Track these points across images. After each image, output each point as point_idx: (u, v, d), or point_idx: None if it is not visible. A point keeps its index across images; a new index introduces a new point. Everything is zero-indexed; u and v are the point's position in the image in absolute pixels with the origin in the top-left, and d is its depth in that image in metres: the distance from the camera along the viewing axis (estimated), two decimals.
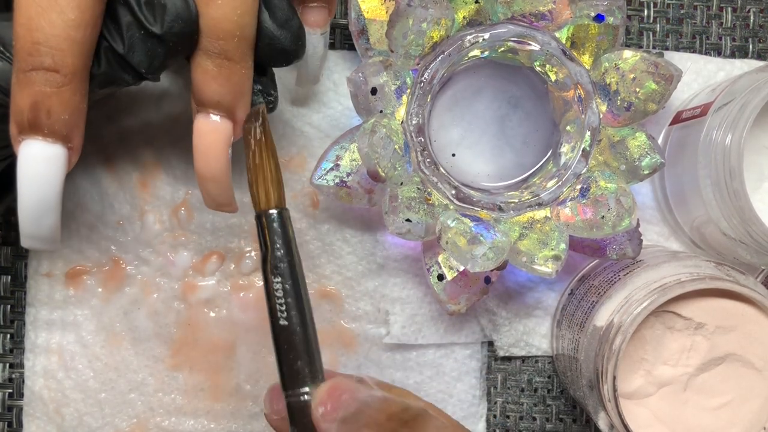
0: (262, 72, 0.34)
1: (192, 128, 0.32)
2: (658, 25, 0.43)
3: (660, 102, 0.37)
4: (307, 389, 0.29)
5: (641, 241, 0.39)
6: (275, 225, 0.30)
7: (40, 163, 0.29)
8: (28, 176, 0.29)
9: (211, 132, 0.32)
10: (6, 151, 0.32)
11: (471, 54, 0.38)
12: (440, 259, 0.38)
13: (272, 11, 0.32)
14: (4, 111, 0.30)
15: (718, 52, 0.43)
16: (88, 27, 0.28)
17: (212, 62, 0.31)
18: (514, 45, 0.37)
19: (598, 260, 0.41)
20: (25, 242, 0.30)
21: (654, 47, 0.43)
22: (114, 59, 0.30)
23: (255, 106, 0.33)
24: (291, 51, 0.33)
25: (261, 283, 0.41)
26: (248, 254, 0.41)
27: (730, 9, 0.43)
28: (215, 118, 0.32)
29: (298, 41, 0.33)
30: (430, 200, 0.37)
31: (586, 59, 0.38)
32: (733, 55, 0.43)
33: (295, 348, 0.30)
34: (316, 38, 0.36)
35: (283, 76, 0.40)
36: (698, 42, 0.43)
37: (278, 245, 0.30)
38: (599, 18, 0.37)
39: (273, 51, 0.32)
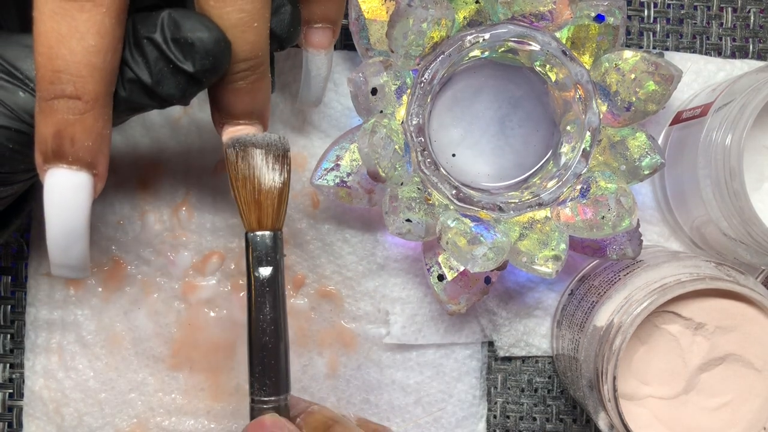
0: None
1: (220, 136, 0.32)
2: (658, 26, 0.43)
3: (660, 102, 0.37)
4: (268, 399, 0.32)
5: (641, 241, 0.39)
6: (262, 247, 0.32)
7: (66, 192, 0.29)
8: (55, 205, 0.29)
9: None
10: (25, 175, 0.32)
11: (471, 54, 0.38)
12: (440, 259, 0.38)
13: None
14: (28, 138, 0.30)
15: (719, 52, 0.43)
16: (109, 52, 0.28)
17: (245, 81, 0.31)
18: (515, 45, 0.38)
19: (598, 260, 0.41)
20: (55, 271, 0.30)
21: (654, 47, 0.43)
22: (142, 90, 0.30)
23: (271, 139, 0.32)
24: (284, 37, 0.33)
25: None
26: None
27: (730, 9, 0.43)
28: (244, 128, 0.32)
29: (290, 27, 0.33)
30: (430, 200, 0.37)
31: (587, 59, 0.38)
32: (733, 56, 0.43)
33: (265, 362, 0.32)
34: (320, 59, 0.36)
35: (279, 68, 0.40)
36: (698, 42, 0.43)
37: (262, 268, 0.32)
38: (599, 18, 0.37)
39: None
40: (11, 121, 0.29)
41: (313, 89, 0.37)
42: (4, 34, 0.30)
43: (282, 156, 0.32)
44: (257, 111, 0.32)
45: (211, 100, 0.32)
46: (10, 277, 0.41)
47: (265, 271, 0.32)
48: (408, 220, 0.36)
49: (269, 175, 0.31)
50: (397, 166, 0.36)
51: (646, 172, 0.37)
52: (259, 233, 0.32)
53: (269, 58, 0.32)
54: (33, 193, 0.38)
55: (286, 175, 0.32)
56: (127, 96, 0.30)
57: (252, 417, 0.32)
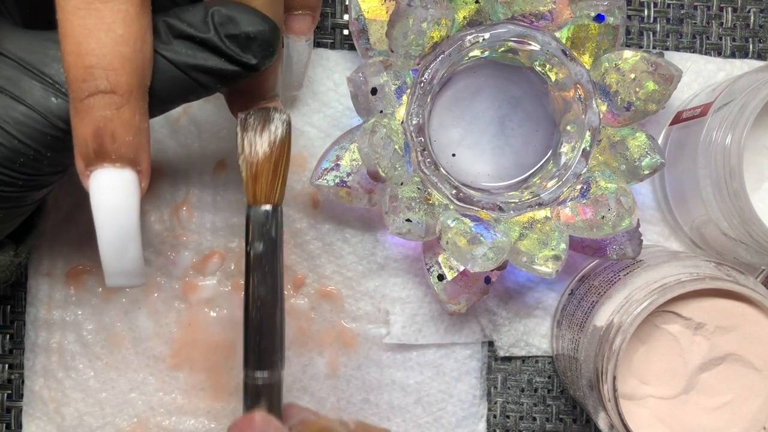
0: None
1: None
2: (658, 25, 0.43)
3: (660, 102, 0.37)
4: (264, 373, 0.32)
5: (641, 241, 0.39)
6: (255, 222, 0.31)
7: (113, 192, 0.28)
8: (103, 208, 0.28)
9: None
10: (55, 177, 0.32)
11: (471, 54, 0.38)
12: (440, 259, 0.38)
13: None
14: (61, 144, 0.29)
15: (719, 52, 0.43)
16: (138, 41, 0.28)
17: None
18: (515, 45, 0.38)
19: (598, 260, 0.41)
20: (110, 281, 0.29)
21: (654, 47, 0.43)
22: (182, 85, 0.29)
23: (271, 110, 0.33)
24: None
25: None
26: None
27: (730, 9, 0.43)
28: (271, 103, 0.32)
29: None
30: (430, 200, 0.37)
31: (586, 59, 0.38)
32: (733, 55, 0.43)
33: (253, 338, 0.32)
34: (301, 46, 0.36)
35: None
36: (698, 42, 0.43)
37: (254, 243, 0.31)
38: (599, 18, 0.37)
39: None
40: (47, 128, 0.29)
41: (294, 75, 0.38)
42: (21, 39, 0.30)
43: (280, 129, 0.31)
44: (277, 87, 0.32)
45: (235, 87, 0.31)
46: None
47: (257, 247, 0.31)
48: (408, 220, 0.36)
49: (264, 148, 0.31)
50: (397, 166, 0.36)
51: (646, 172, 0.37)
52: (254, 207, 0.31)
53: None
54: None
55: (282, 148, 0.31)
56: (169, 92, 0.29)
57: (245, 392, 0.32)
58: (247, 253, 0.31)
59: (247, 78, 0.30)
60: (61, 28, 0.27)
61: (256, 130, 0.31)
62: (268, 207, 0.31)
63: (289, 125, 0.31)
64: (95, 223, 0.28)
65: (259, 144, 0.31)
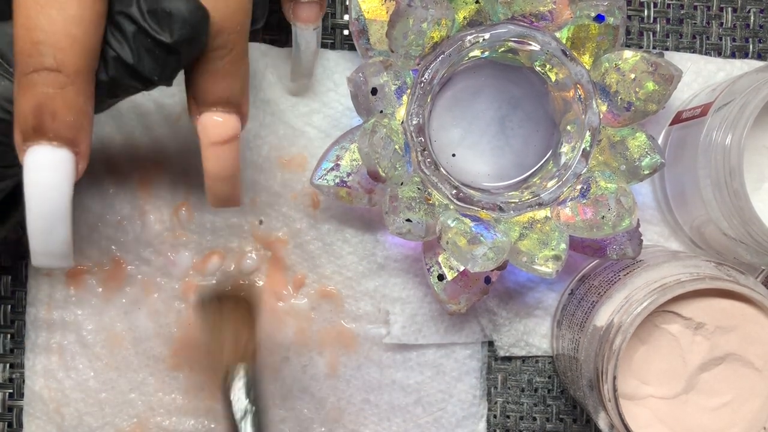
0: None
1: (195, 128, 0.31)
2: (658, 26, 0.43)
3: (660, 102, 0.37)
4: None
5: (641, 241, 0.39)
6: (240, 381, 0.35)
7: (46, 170, 0.28)
8: (34, 184, 0.28)
9: (224, 131, 0.31)
10: (12, 170, 0.31)
11: (471, 54, 0.38)
12: (440, 259, 0.38)
13: None
14: (8, 129, 0.29)
15: (719, 52, 0.43)
16: (90, 24, 0.27)
17: (222, 60, 0.30)
18: (515, 45, 0.38)
19: (598, 260, 0.41)
20: (36, 260, 0.29)
21: (654, 47, 0.43)
22: (123, 68, 0.29)
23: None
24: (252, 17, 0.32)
25: (261, 282, 0.41)
26: (249, 254, 0.41)
27: (730, 9, 0.43)
28: (221, 116, 0.31)
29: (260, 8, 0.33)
30: (430, 200, 0.37)
31: (587, 59, 0.38)
32: (733, 56, 0.43)
33: None
34: (309, 34, 0.36)
35: (280, 68, 0.40)
36: (698, 42, 0.43)
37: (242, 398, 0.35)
38: (599, 18, 0.37)
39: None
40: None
41: (303, 63, 0.38)
42: None
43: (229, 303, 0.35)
44: (234, 98, 0.31)
45: (186, 88, 0.31)
46: (9, 277, 0.41)
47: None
48: (408, 220, 0.36)
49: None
50: (397, 166, 0.36)
51: (646, 172, 0.37)
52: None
53: (246, 42, 0.31)
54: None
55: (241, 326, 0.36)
56: (110, 77, 0.29)
57: None
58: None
59: (194, 77, 0.30)
60: (15, 1, 0.27)
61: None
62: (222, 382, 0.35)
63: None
64: (25, 199, 0.28)
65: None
